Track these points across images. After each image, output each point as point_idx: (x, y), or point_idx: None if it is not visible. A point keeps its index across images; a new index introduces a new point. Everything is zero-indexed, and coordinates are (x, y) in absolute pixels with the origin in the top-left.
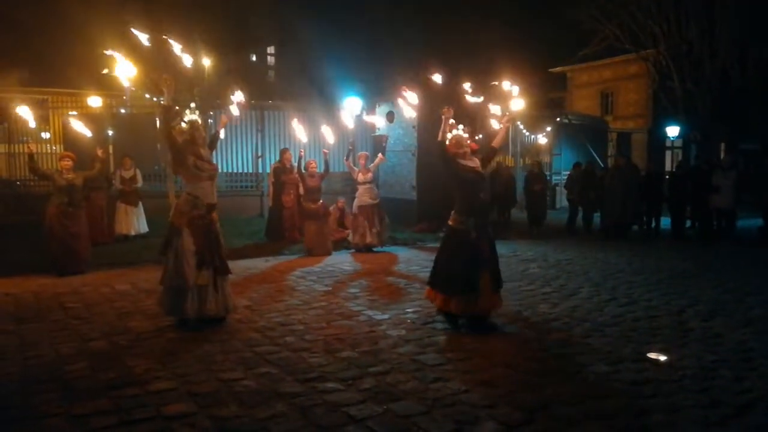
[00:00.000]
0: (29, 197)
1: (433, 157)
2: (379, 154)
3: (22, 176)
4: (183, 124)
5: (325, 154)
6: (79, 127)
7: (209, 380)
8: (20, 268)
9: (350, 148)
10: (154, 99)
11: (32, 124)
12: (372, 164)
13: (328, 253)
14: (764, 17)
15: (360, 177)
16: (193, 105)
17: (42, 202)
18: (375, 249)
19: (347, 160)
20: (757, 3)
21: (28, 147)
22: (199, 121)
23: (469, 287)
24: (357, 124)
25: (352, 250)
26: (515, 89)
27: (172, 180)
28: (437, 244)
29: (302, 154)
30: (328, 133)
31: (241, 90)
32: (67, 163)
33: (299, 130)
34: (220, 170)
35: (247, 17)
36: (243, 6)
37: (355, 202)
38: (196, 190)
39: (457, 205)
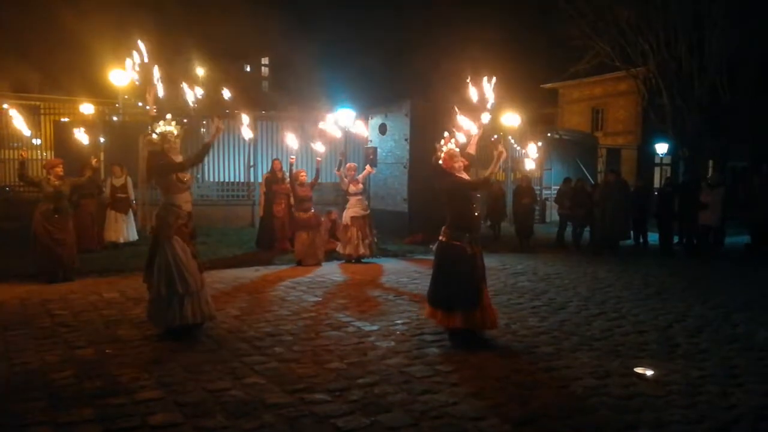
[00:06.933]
0: (18, 203)
1: (429, 170)
2: (367, 166)
3: (11, 182)
4: (154, 135)
5: (318, 162)
6: (80, 136)
7: (196, 390)
8: (8, 274)
9: (341, 158)
10: (146, 107)
11: (27, 132)
12: (360, 175)
13: (319, 264)
14: (752, 35)
15: (351, 188)
16: (168, 116)
17: (31, 208)
18: (364, 260)
19: (338, 170)
20: (745, 20)
21: (21, 154)
22: (175, 132)
23: (471, 303)
24: (347, 135)
25: (342, 261)
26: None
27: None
28: (428, 257)
29: (292, 161)
30: (319, 144)
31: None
32: (59, 170)
33: (290, 138)
34: (212, 180)
35: (242, 28)
36: (238, 17)
37: (347, 213)
38: (177, 200)
39: (451, 220)
